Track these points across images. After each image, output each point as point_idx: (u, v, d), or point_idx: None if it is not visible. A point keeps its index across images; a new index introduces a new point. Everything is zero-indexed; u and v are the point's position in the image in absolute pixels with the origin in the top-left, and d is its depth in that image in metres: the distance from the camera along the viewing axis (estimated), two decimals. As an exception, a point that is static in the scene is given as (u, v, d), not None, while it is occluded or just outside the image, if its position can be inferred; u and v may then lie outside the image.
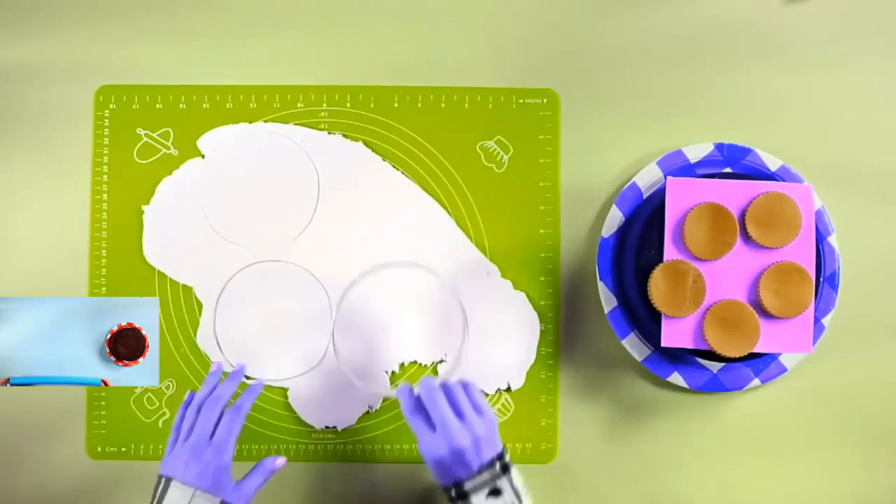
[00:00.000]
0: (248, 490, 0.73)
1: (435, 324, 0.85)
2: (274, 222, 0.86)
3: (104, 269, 0.86)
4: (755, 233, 0.78)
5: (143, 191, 0.86)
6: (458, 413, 0.71)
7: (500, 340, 0.86)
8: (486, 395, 0.86)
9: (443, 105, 0.87)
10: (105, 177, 0.87)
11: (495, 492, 0.70)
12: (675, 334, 0.78)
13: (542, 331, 0.86)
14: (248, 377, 0.86)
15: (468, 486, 0.70)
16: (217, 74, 0.87)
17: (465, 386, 0.74)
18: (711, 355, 0.79)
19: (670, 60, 0.87)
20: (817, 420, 0.86)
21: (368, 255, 0.86)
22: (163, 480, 0.72)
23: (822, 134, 0.87)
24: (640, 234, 0.82)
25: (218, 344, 0.86)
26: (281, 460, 0.76)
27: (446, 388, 0.73)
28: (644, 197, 0.85)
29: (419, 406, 0.73)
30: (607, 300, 0.85)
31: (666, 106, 0.87)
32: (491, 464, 0.71)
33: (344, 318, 0.85)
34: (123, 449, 0.86)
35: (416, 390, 0.74)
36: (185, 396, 0.77)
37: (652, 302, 0.78)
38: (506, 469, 0.71)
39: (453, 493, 0.71)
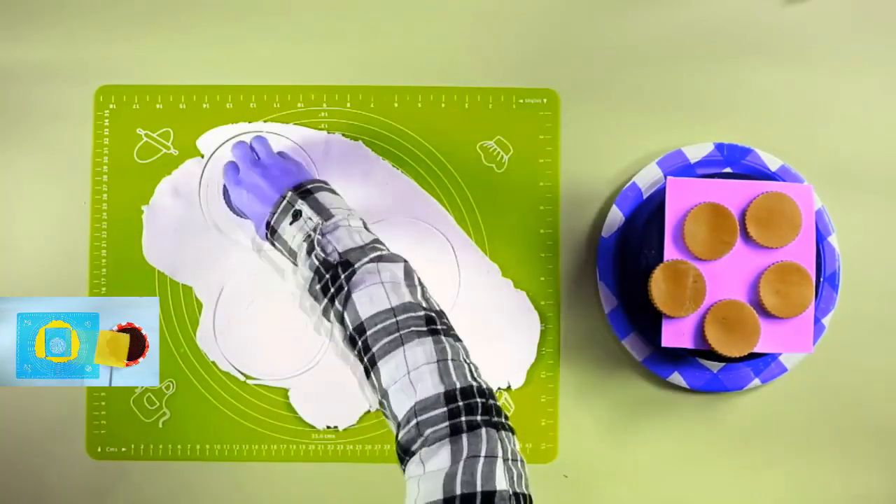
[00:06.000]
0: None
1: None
2: (274, 222, 0.86)
3: (104, 269, 0.86)
4: (755, 233, 0.78)
5: (143, 191, 0.86)
6: (256, 162, 0.78)
7: (500, 339, 0.86)
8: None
9: (443, 105, 0.87)
10: (105, 177, 0.87)
11: (296, 214, 0.71)
12: (675, 334, 0.78)
13: (542, 331, 0.86)
14: (247, 377, 0.86)
15: (273, 220, 0.72)
16: (217, 74, 0.87)
17: (261, 139, 0.80)
18: (711, 355, 0.79)
19: (670, 60, 0.87)
20: (817, 420, 0.86)
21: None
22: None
23: (822, 134, 0.87)
24: (640, 234, 0.82)
25: (218, 344, 0.86)
26: None
27: (245, 145, 0.80)
28: (644, 197, 0.85)
29: (234, 167, 0.79)
30: (607, 300, 0.85)
31: (666, 106, 0.87)
32: (289, 191, 0.73)
33: None
34: (123, 449, 0.86)
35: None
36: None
37: (652, 302, 0.78)
38: (306, 194, 0.72)
39: (268, 235, 0.74)
